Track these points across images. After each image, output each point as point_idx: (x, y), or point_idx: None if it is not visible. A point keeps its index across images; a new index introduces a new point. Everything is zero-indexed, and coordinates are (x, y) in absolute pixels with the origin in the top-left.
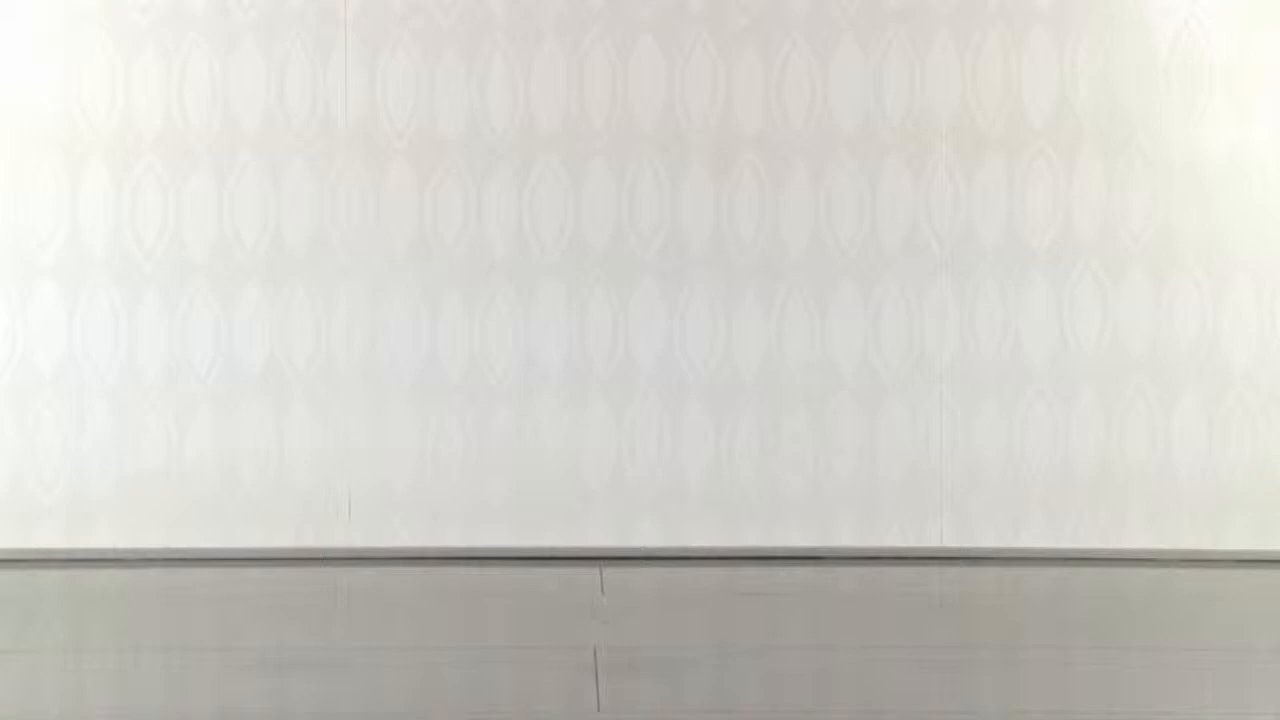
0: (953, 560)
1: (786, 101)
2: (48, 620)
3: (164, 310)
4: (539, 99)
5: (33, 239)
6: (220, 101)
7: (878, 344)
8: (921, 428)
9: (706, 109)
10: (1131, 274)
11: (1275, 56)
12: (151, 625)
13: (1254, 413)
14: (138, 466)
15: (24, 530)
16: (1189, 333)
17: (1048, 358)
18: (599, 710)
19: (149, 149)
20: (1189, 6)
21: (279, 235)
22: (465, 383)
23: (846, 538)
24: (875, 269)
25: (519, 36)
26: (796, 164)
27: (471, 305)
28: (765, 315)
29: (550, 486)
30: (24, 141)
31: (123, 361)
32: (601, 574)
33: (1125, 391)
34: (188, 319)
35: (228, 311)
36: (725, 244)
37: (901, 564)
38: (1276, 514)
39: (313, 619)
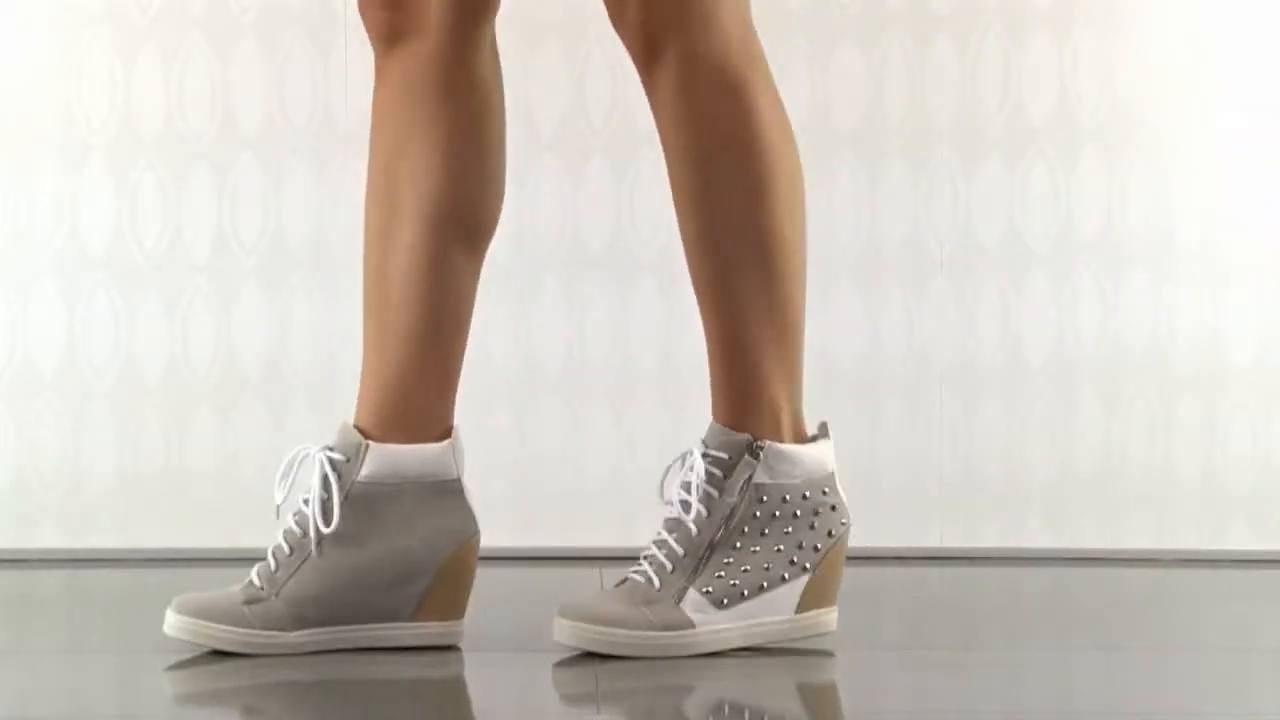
0: (953, 560)
1: (787, 101)
2: (47, 620)
3: (164, 310)
4: (539, 98)
5: (33, 239)
6: (220, 101)
7: (878, 344)
8: (921, 428)
9: None
10: (1131, 274)
11: (1276, 55)
12: (151, 625)
13: (1254, 413)
14: (137, 466)
15: (24, 530)
16: (1189, 333)
17: (1048, 358)
18: (598, 712)
19: (149, 149)
20: (1190, 5)
21: (279, 235)
22: (465, 382)
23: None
24: (875, 269)
25: (519, 36)
26: None
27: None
28: None
29: (550, 486)
30: (24, 141)
31: (123, 361)
32: (601, 574)
33: (1125, 391)
34: (188, 319)
35: (228, 311)
36: None
37: (901, 564)
38: (1276, 514)
39: None
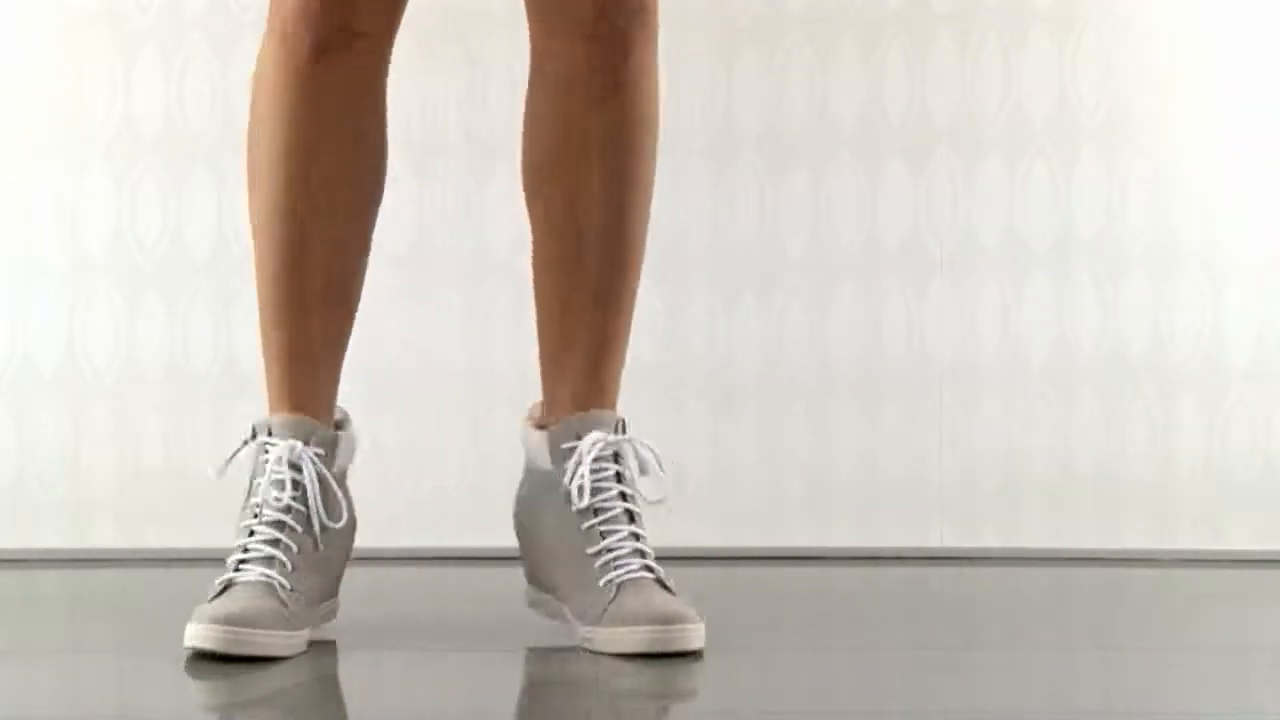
0: (953, 560)
1: (787, 102)
2: (48, 620)
3: (164, 310)
4: None
5: (33, 239)
6: (220, 101)
7: (878, 344)
8: (921, 428)
9: (707, 109)
10: (1131, 274)
11: (1276, 55)
12: (151, 625)
13: (1254, 413)
14: (137, 466)
15: (24, 530)
16: (1189, 333)
17: (1048, 358)
18: (598, 708)
19: (149, 149)
20: (1190, 5)
21: None
22: (466, 382)
23: (846, 538)
24: (875, 269)
25: (519, 37)
26: (796, 164)
27: (471, 305)
28: (765, 315)
29: None
30: (24, 141)
31: (123, 361)
32: None
33: (1125, 391)
34: (188, 319)
35: (227, 311)
36: (725, 244)
37: (901, 564)
38: (1276, 514)
39: None
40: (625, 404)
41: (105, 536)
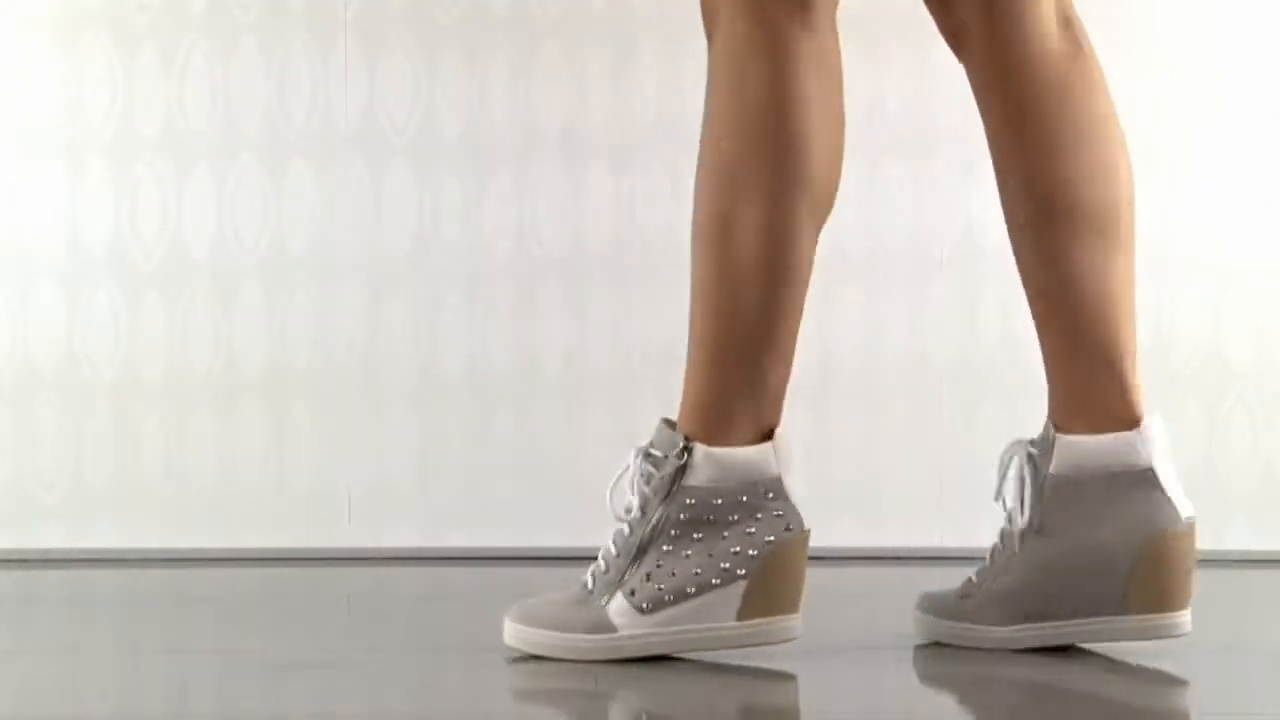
0: (953, 560)
1: None
2: (47, 620)
3: (164, 310)
4: (539, 99)
5: (33, 239)
6: (220, 101)
7: (879, 344)
8: (921, 428)
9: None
10: None
11: (1276, 55)
12: (151, 625)
13: (1254, 413)
14: (138, 466)
15: (24, 530)
16: (1189, 333)
17: None
18: (599, 707)
19: (149, 149)
20: (1191, 6)
21: (279, 235)
22: (465, 382)
23: (846, 538)
24: (876, 269)
25: (520, 37)
26: None
27: (472, 305)
28: None
29: (550, 486)
30: (24, 141)
31: (123, 361)
32: None
33: None
34: (188, 319)
35: (228, 311)
36: None
37: (901, 564)
38: (1276, 514)
39: (313, 619)
40: (626, 405)
41: (104, 536)
